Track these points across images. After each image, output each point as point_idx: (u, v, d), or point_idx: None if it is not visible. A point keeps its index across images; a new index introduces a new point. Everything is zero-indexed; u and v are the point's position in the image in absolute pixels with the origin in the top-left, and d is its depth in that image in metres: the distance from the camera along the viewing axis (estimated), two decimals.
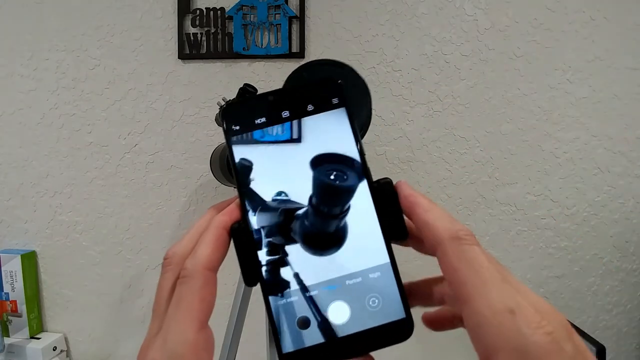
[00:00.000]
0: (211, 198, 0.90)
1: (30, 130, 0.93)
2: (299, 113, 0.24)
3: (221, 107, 0.26)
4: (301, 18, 0.83)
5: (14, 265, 0.92)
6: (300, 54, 0.84)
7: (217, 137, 0.87)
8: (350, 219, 0.23)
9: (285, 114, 0.24)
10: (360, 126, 0.29)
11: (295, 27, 0.84)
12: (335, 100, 0.24)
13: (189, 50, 0.86)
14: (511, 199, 0.85)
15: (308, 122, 0.24)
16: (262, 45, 0.85)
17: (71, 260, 0.95)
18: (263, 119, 0.24)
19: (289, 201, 0.23)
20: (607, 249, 0.84)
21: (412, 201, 0.23)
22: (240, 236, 0.23)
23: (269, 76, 0.86)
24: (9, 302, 0.92)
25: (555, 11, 0.80)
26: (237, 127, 0.24)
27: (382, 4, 0.83)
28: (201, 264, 0.21)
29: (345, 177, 0.23)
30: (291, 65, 0.86)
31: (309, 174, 0.23)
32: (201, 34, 0.86)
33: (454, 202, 0.86)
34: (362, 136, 0.31)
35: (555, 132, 0.82)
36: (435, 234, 0.21)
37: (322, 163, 0.23)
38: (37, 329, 0.95)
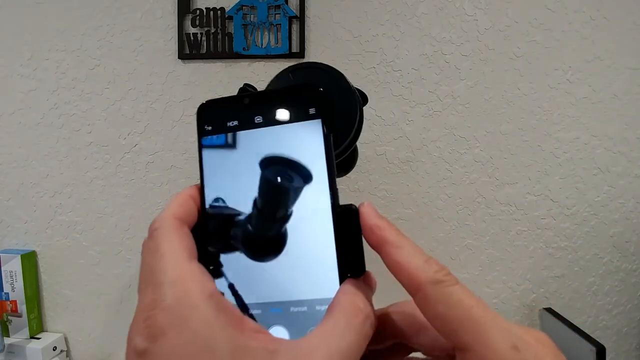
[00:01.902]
0: None
1: (30, 130, 0.93)
2: (272, 120, 0.22)
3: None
4: (301, 18, 0.83)
5: (14, 265, 0.92)
6: (300, 54, 0.84)
7: None
8: (307, 243, 0.21)
9: (258, 119, 0.22)
10: (342, 140, 0.27)
11: (295, 27, 0.84)
12: (312, 111, 0.22)
13: (189, 50, 0.86)
14: (511, 199, 0.85)
15: (279, 130, 0.22)
16: (262, 45, 0.85)
17: (71, 260, 0.95)
18: (235, 122, 0.23)
19: (226, 207, 0.22)
20: (607, 249, 0.84)
21: (380, 236, 0.21)
22: None
23: (269, 76, 0.86)
24: (9, 302, 0.92)
25: (555, 11, 0.80)
26: (210, 128, 0.23)
27: (382, 4, 0.83)
28: (170, 212, 0.21)
29: (291, 179, 0.21)
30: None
31: (257, 178, 0.22)
32: (201, 34, 0.86)
33: (454, 202, 0.86)
34: (346, 151, 0.28)
35: (555, 132, 0.82)
36: (411, 279, 0.19)
37: (272, 164, 0.22)
38: (37, 329, 0.95)
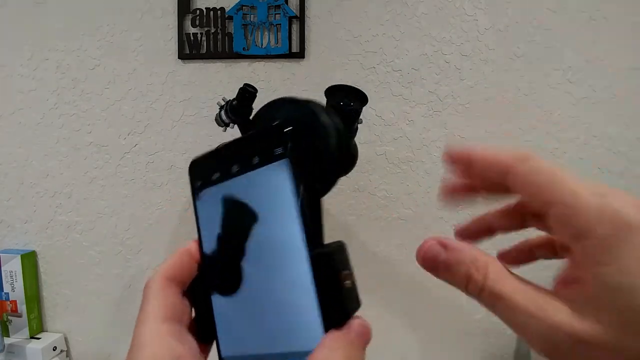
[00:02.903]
0: None
1: (30, 130, 0.93)
2: (246, 167, 0.22)
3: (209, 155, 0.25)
4: (301, 18, 0.83)
5: (14, 265, 0.92)
6: (300, 54, 0.84)
7: (217, 137, 0.88)
8: (285, 290, 0.20)
9: (235, 168, 0.22)
10: (316, 178, 0.24)
11: (295, 27, 0.84)
12: (278, 151, 0.20)
13: (189, 50, 0.86)
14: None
15: (252, 176, 0.21)
16: (262, 45, 0.85)
17: (71, 260, 0.95)
18: (218, 174, 0.23)
19: (217, 258, 0.23)
20: None
21: (464, 152, 0.21)
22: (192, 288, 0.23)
23: (269, 76, 0.86)
24: (9, 302, 0.92)
25: (555, 11, 0.80)
26: (199, 183, 0.24)
27: (382, 4, 0.83)
28: (159, 273, 0.22)
29: (248, 222, 0.21)
30: (291, 65, 0.86)
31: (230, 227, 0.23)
32: (201, 34, 0.86)
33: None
34: (326, 189, 0.26)
35: (555, 132, 0.82)
36: (502, 163, 0.20)
37: (236, 210, 0.22)
38: (37, 329, 0.95)
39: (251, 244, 0.21)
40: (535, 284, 0.19)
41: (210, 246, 0.23)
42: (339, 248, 0.20)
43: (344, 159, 0.22)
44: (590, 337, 0.16)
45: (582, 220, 0.17)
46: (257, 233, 0.21)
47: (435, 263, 0.20)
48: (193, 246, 0.24)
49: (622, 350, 0.16)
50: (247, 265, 0.21)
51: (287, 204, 0.20)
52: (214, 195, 0.23)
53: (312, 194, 0.20)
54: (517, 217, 0.24)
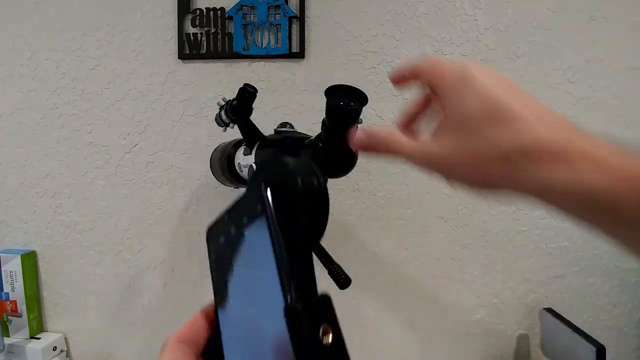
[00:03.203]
0: (211, 198, 0.90)
1: (30, 130, 0.93)
2: (240, 228, 0.22)
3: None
4: (301, 18, 0.83)
5: (14, 265, 0.92)
6: (300, 54, 0.84)
7: (217, 137, 0.87)
8: (268, 351, 0.19)
9: (233, 230, 0.23)
10: (298, 229, 0.23)
11: (295, 27, 0.84)
12: (259, 208, 0.21)
13: (189, 50, 0.86)
14: (511, 199, 0.85)
15: (246, 236, 0.22)
16: (262, 45, 0.85)
17: (71, 260, 0.95)
18: (222, 238, 0.24)
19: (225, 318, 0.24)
20: (607, 249, 0.84)
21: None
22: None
23: (269, 76, 0.86)
24: (9, 302, 0.92)
25: (555, 11, 0.80)
26: (212, 247, 0.25)
27: (382, 4, 0.83)
28: (173, 335, 0.23)
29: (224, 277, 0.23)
30: (291, 65, 0.86)
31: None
32: (201, 34, 0.86)
33: (454, 202, 0.86)
34: (314, 237, 0.24)
35: None
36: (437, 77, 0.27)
37: (225, 272, 0.23)
38: (37, 329, 0.95)
39: (250, 305, 0.22)
40: (424, 137, 0.27)
41: (221, 308, 0.24)
42: (319, 301, 0.19)
43: (321, 209, 0.22)
44: (445, 150, 0.24)
45: (439, 71, 0.25)
46: (254, 293, 0.21)
47: (363, 145, 0.28)
48: (209, 309, 0.25)
49: (460, 158, 0.24)
50: (250, 327, 0.21)
51: (269, 260, 0.20)
52: (221, 259, 0.24)
53: (294, 246, 0.20)
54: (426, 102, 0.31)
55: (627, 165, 0.20)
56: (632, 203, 0.19)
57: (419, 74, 0.28)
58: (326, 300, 0.19)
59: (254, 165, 0.53)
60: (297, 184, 0.21)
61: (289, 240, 0.19)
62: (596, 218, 0.21)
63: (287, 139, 0.50)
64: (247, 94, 0.56)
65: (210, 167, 0.82)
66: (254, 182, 0.21)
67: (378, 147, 0.27)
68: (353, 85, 0.33)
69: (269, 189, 0.20)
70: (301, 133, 0.56)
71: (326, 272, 0.48)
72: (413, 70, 0.29)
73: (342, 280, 0.45)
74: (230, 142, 0.73)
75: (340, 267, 0.47)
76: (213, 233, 0.25)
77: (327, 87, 0.44)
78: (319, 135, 0.48)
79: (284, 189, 0.21)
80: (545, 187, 0.21)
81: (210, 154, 0.82)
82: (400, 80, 0.30)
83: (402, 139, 0.26)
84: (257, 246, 0.21)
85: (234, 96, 0.61)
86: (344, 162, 0.43)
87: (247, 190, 0.23)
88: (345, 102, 0.33)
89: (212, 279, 0.25)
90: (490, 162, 0.23)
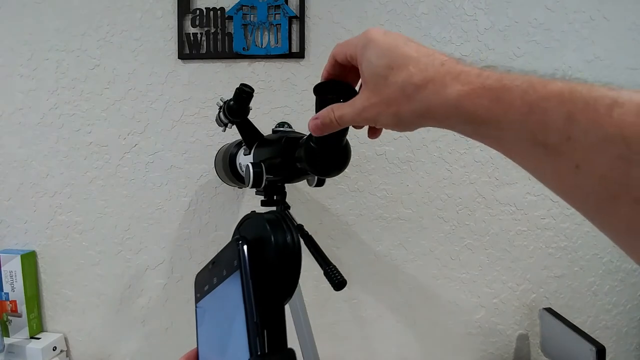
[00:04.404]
0: (211, 198, 0.90)
1: (30, 130, 0.93)
2: (220, 279, 0.24)
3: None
4: (301, 18, 0.83)
5: (14, 265, 0.92)
6: (300, 54, 0.84)
7: (217, 137, 0.88)
8: None
9: (215, 280, 0.24)
10: (271, 285, 0.24)
11: (295, 27, 0.84)
12: (235, 262, 0.22)
13: (189, 50, 0.86)
14: (511, 199, 0.85)
15: (223, 287, 0.23)
16: (262, 45, 0.85)
17: (71, 260, 0.95)
18: (207, 287, 0.25)
19: None
20: (607, 249, 0.84)
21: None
22: None
23: (269, 76, 0.86)
24: (9, 302, 0.92)
25: (555, 11, 0.80)
26: (198, 295, 0.26)
27: (382, 4, 0.83)
28: None
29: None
30: (291, 65, 0.86)
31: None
32: (201, 34, 0.86)
33: (454, 202, 0.86)
34: (280, 299, 0.25)
35: None
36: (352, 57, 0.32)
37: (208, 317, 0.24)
38: (37, 329, 0.95)
39: (221, 355, 0.22)
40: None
41: (204, 351, 0.25)
42: (281, 357, 0.20)
43: (293, 266, 0.23)
44: (367, 102, 0.29)
45: (351, 46, 0.31)
46: (226, 344, 0.22)
47: (319, 130, 0.33)
48: (192, 353, 0.25)
49: (378, 106, 0.28)
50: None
51: (240, 312, 0.21)
52: (204, 306, 0.25)
53: (265, 300, 0.21)
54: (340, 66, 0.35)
55: (483, 75, 0.23)
56: (484, 104, 0.23)
57: (337, 56, 0.33)
58: (290, 356, 0.20)
59: (250, 166, 0.53)
60: (271, 242, 0.23)
61: (260, 295, 0.21)
62: (471, 129, 0.25)
63: (283, 139, 0.50)
64: (244, 94, 0.56)
65: (214, 166, 0.82)
66: (234, 237, 0.23)
67: (331, 125, 0.32)
68: (341, 81, 0.34)
69: (245, 246, 0.22)
70: (298, 132, 0.56)
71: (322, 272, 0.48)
72: (332, 59, 0.34)
73: (337, 281, 0.45)
74: (233, 142, 0.73)
75: (336, 268, 0.47)
76: (199, 281, 0.27)
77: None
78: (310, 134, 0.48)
79: (259, 246, 0.23)
80: (431, 110, 0.25)
81: (210, 153, 0.82)
82: (331, 71, 0.34)
83: (340, 109, 0.31)
84: (232, 299, 0.22)
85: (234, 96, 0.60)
86: (336, 159, 0.43)
87: (230, 242, 0.24)
88: (333, 98, 0.33)
89: (196, 321, 0.26)
90: (397, 102, 0.27)
